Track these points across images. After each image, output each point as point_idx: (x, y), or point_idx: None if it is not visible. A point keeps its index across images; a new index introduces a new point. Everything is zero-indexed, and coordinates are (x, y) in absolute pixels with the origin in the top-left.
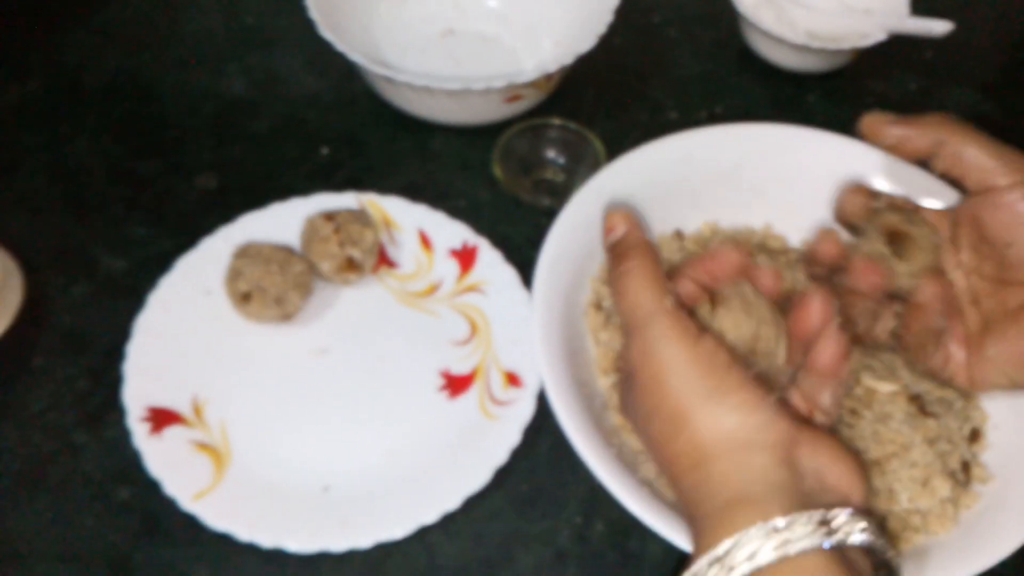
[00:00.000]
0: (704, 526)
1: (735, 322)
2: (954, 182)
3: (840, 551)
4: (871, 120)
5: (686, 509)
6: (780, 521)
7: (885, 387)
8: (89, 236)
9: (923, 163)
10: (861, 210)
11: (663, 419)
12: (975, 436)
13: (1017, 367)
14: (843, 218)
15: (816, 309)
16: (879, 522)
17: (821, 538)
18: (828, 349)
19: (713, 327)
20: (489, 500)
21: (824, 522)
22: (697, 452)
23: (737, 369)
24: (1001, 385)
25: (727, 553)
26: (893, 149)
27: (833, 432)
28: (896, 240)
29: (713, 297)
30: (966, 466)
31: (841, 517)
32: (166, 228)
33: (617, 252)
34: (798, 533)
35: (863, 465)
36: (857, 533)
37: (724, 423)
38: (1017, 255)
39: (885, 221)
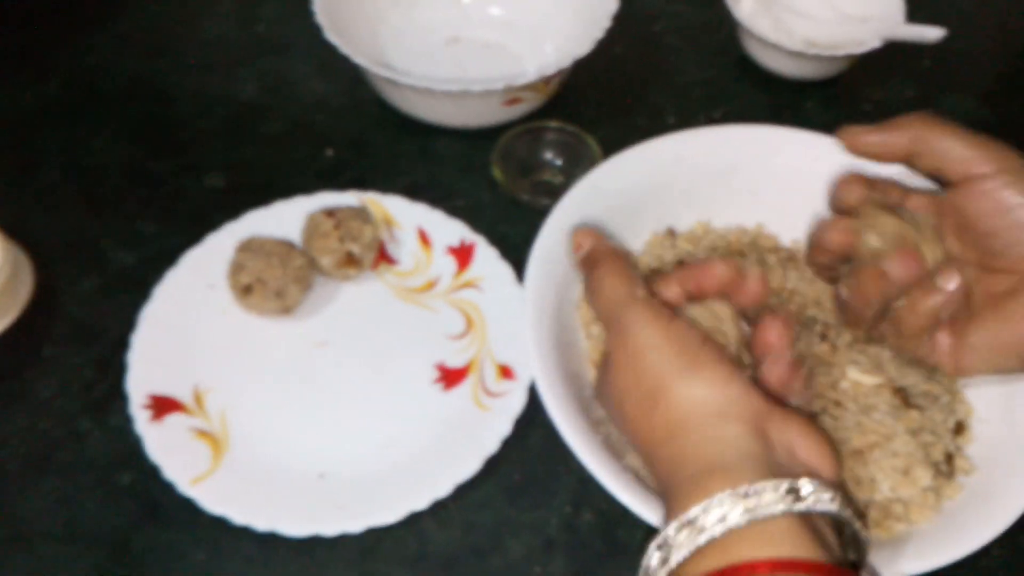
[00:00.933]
0: (676, 494)
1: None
2: (937, 178)
3: (808, 518)
4: (847, 133)
5: (660, 483)
6: (750, 487)
7: (870, 380)
8: (101, 232)
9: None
10: (858, 200)
11: (640, 395)
12: (960, 429)
13: (1000, 353)
14: (839, 207)
15: (774, 333)
16: (847, 496)
17: (789, 504)
18: (775, 371)
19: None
20: (480, 489)
21: (792, 490)
22: (672, 424)
23: (710, 346)
24: (985, 371)
25: (697, 517)
26: (875, 157)
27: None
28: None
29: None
30: (949, 457)
31: (809, 486)
32: (176, 225)
33: (587, 263)
34: (767, 499)
35: (833, 443)
36: (825, 502)
37: (698, 395)
38: (1000, 243)
39: (884, 215)
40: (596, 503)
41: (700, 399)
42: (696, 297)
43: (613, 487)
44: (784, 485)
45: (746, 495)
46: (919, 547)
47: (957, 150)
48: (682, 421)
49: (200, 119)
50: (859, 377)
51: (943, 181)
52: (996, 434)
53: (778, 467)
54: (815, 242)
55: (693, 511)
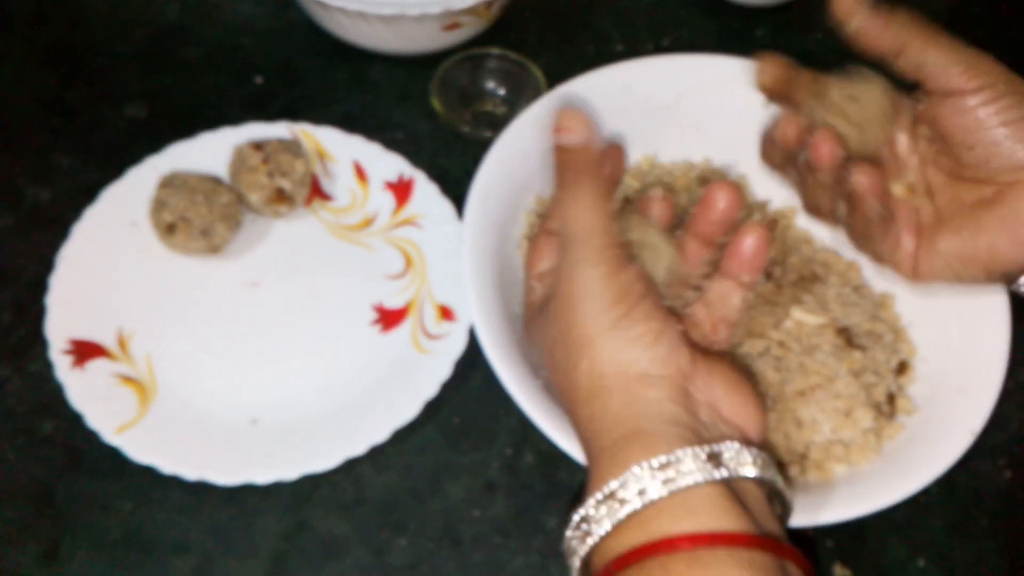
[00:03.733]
0: (596, 464)
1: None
2: (915, 82)
3: (729, 484)
4: (847, 4)
5: (581, 445)
6: (669, 455)
7: (813, 320)
8: (13, 167)
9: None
10: (773, 78)
11: (567, 345)
12: (903, 368)
13: (966, 263)
14: (767, 93)
15: (721, 197)
16: (770, 454)
17: (709, 472)
18: (749, 237)
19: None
20: (419, 433)
21: (713, 456)
22: (594, 383)
23: (648, 301)
24: (944, 278)
25: (616, 490)
26: (855, 36)
27: (732, 361)
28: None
29: None
30: (891, 398)
31: (729, 452)
32: (93, 158)
33: (570, 159)
34: (686, 467)
35: (760, 397)
36: (747, 467)
37: (624, 354)
38: (976, 157)
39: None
40: (537, 444)
41: (625, 359)
42: None
43: (552, 432)
44: (704, 452)
45: (665, 464)
46: (859, 489)
47: (942, 62)
48: (603, 382)
49: (117, 44)
50: (803, 317)
51: (921, 87)
52: (938, 374)
53: (702, 430)
54: (766, 139)
55: (611, 484)
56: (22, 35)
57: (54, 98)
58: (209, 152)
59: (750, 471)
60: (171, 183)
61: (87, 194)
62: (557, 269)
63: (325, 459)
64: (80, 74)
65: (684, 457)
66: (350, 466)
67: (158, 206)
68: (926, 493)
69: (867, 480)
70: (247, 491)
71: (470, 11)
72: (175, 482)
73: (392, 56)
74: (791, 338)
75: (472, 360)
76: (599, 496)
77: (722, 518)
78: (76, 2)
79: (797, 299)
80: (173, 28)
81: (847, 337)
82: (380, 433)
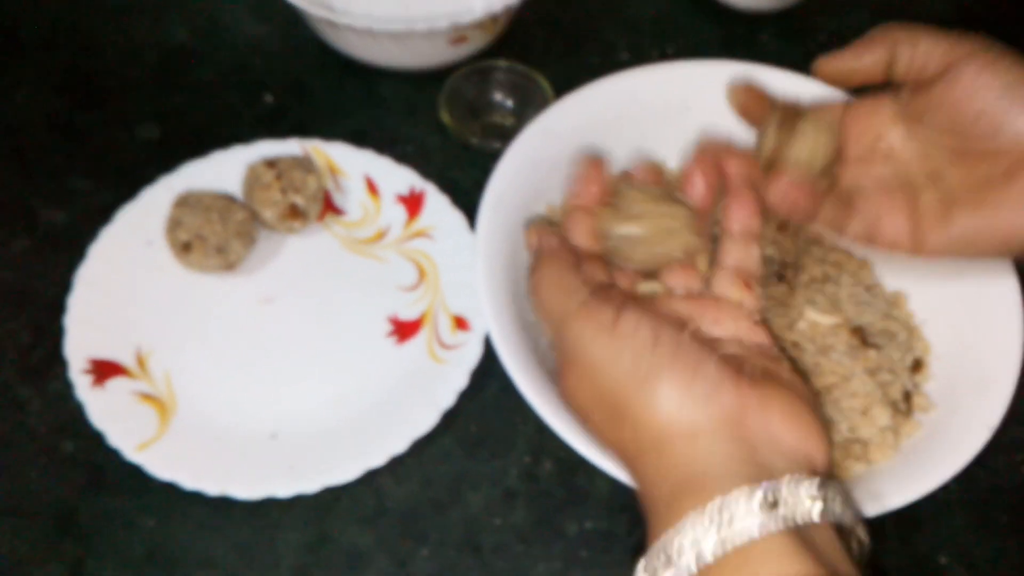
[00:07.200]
0: (654, 513)
1: (641, 212)
2: (914, 82)
3: (797, 530)
4: (827, 64)
5: (640, 495)
6: (722, 500)
7: (827, 320)
8: (29, 190)
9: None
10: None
11: (604, 411)
12: (917, 366)
13: (983, 239)
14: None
15: (698, 180)
16: (835, 487)
17: (767, 515)
18: (738, 210)
19: (617, 230)
20: (438, 443)
21: (770, 495)
22: (641, 440)
23: (663, 347)
24: (955, 254)
25: (671, 542)
26: (854, 79)
27: (792, 383)
28: (789, 123)
29: (608, 202)
30: (907, 396)
31: (788, 487)
32: (107, 180)
33: (532, 265)
34: (742, 510)
35: (823, 422)
36: (808, 502)
37: (663, 408)
38: (983, 129)
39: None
40: (555, 451)
41: (666, 413)
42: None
43: (571, 438)
44: (758, 493)
45: (719, 510)
46: (879, 487)
47: (934, 46)
48: (650, 434)
49: (128, 67)
50: (816, 317)
51: (921, 82)
52: (953, 371)
53: (760, 468)
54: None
55: (666, 536)
56: (34, 60)
57: (67, 122)
58: (222, 171)
59: (813, 508)
60: (186, 202)
61: (102, 215)
62: (556, 351)
63: (345, 471)
64: (92, 97)
65: (738, 500)
66: (370, 477)
67: (173, 225)
68: (945, 490)
69: (886, 478)
70: (269, 505)
71: (477, 25)
72: (197, 498)
73: (400, 72)
74: (805, 339)
75: (488, 369)
76: (656, 549)
77: (785, 564)
78: (87, 27)
79: (810, 300)
80: (183, 50)
81: (861, 336)
82: (399, 444)
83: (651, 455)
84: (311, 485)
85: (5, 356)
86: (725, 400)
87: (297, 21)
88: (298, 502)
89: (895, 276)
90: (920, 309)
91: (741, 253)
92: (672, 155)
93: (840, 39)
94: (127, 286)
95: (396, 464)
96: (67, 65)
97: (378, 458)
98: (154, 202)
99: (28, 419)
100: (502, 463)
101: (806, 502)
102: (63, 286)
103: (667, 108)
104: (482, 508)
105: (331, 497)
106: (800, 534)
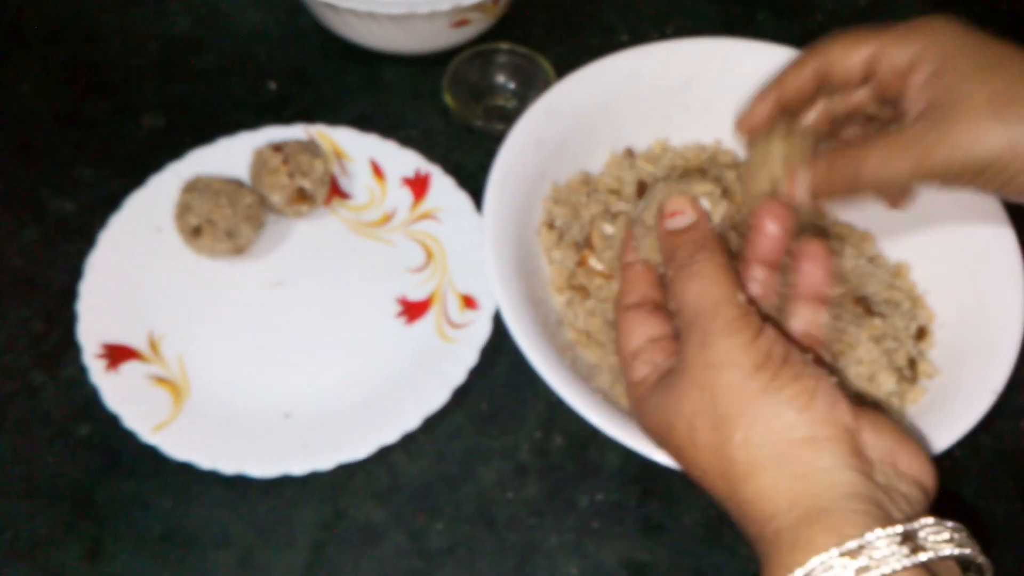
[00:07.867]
0: (775, 546)
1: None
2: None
3: (926, 566)
4: (741, 121)
5: (747, 526)
6: (859, 541)
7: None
8: (37, 180)
9: None
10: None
11: (714, 420)
12: (921, 334)
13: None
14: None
15: (771, 224)
16: (963, 525)
17: (907, 557)
18: (810, 275)
19: None
20: (449, 419)
21: (908, 536)
22: (752, 455)
23: (793, 360)
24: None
25: None
26: (791, 107)
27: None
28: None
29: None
30: (912, 362)
31: (926, 531)
32: (115, 168)
33: (685, 241)
34: (880, 553)
35: (922, 444)
36: (945, 545)
37: (780, 419)
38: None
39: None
40: (565, 426)
41: (781, 425)
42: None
43: (584, 410)
44: (898, 533)
45: (856, 551)
46: None
47: (859, 55)
48: (764, 452)
49: (132, 57)
50: None
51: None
52: (957, 338)
53: (885, 499)
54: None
55: (797, 574)
56: (39, 53)
57: (73, 112)
58: (229, 156)
59: (950, 549)
60: (195, 187)
61: (110, 203)
62: (681, 348)
63: (359, 448)
64: (97, 88)
65: (877, 542)
66: (383, 454)
67: (183, 210)
68: (951, 457)
69: None
70: (284, 483)
71: (478, 7)
72: (213, 477)
73: (403, 56)
74: None
75: (497, 347)
76: None
77: None
78: (90, 19)
79: None
80: (186, 39)
81: (866, 306)
82: (411, 421)
83: (766, 475)
84: (325, 462)
85: (18, 343)
86: (842, 419)
87: (298, 8)
88: (313, 479)
89: (897, 248)
90: (922, 280)
91: (810, 316)
92: (676, 132)
93: (837, 18)
94: (137, 272)
95: (409, 441)
96: (72, 57)
97: (391, 435)
98: (162, 189)
99: (43, 404)
100: (513, 438)
101: (943, 539)
102: (73, 273)
103: (669, 86)
104: (494, 482)
105: (345, 474)
106: (930, 569)
